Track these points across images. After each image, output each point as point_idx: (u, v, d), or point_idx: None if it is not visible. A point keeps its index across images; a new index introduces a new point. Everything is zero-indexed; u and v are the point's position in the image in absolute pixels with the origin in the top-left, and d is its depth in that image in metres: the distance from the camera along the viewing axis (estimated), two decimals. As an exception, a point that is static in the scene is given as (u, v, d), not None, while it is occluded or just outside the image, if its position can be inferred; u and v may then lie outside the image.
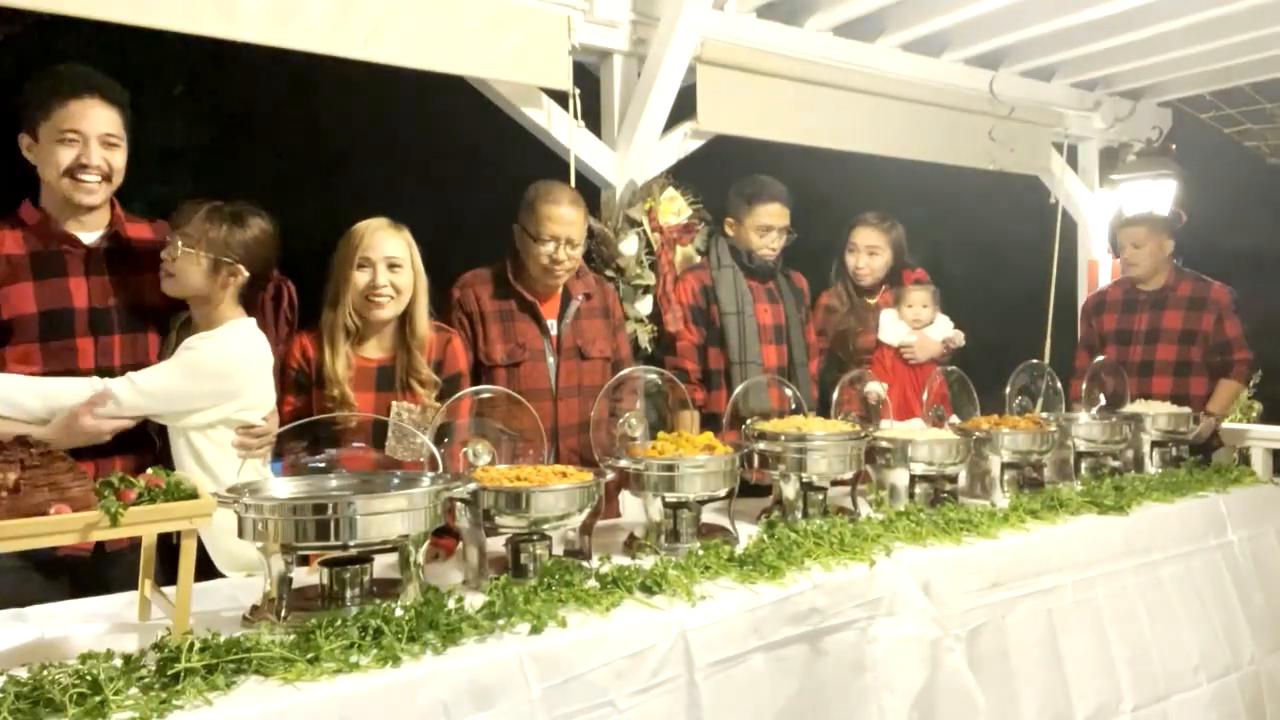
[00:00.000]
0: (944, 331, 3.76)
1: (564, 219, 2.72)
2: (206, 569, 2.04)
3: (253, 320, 2.28)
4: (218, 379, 2.15)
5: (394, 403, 2.33)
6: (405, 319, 2.42)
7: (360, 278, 2.37)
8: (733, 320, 3.30)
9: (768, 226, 3.35)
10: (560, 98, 3.37)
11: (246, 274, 2.24)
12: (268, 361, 2.27)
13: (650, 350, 3.34)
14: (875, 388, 3.12)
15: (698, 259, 3.48)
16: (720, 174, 3.75)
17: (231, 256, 2.20)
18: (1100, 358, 3.76)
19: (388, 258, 2.38)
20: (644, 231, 3.36)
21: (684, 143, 3.66)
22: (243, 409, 2.18)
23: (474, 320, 2.76)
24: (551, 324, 2.81)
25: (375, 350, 2.43)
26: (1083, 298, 5.18)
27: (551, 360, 2.79)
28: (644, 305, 3.35)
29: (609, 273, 3.31)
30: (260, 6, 2.70)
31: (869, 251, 3.70)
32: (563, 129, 3.35)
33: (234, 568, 2.09)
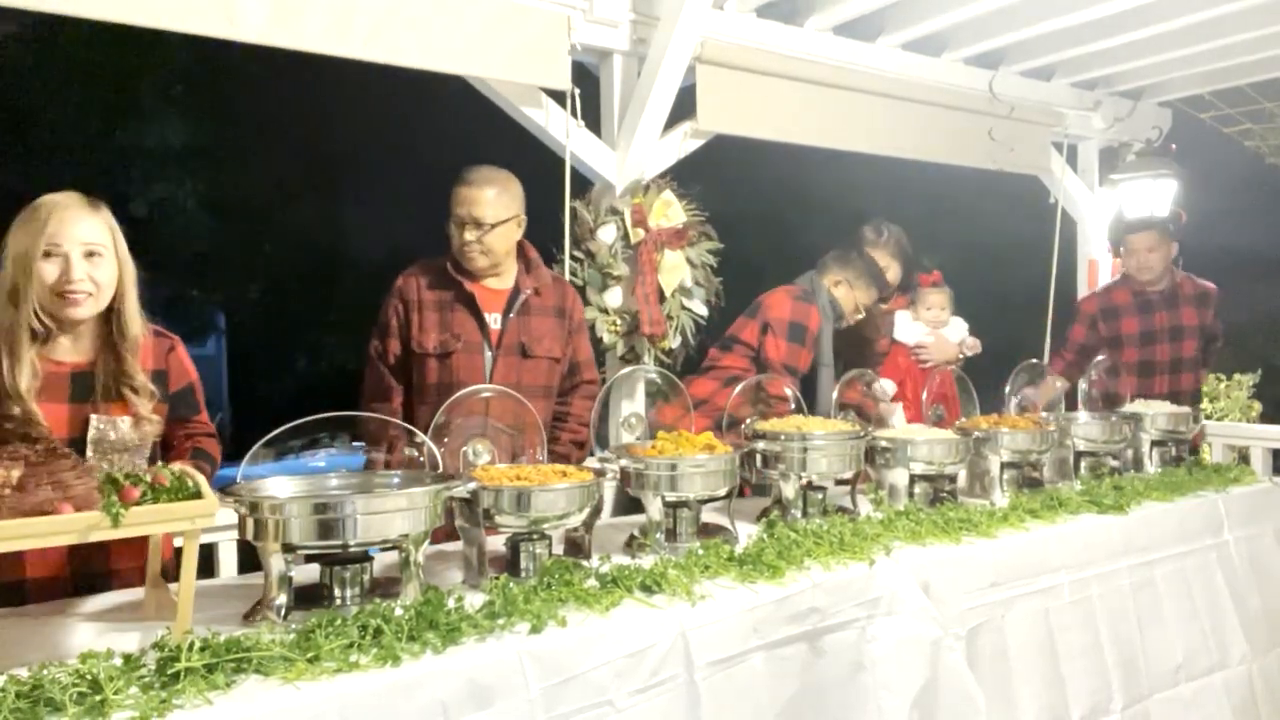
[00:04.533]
0: (960, 334, 3.78)
1: (468, 198, 2.67)
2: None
3: None
4: None
5: (93, 415, 1.92)
6: (110, 316, 1.98)
7: (48, 270, 1.90)
8: (826, 371, 3.45)
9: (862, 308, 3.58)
10: (560, 97, 3.37)
11: None
12: None
13: (615, 345, 3.31)
14: (884, 385, 3.13)
15: (687, 270, 3.47)
16: (721, 175, 3.75)
17: None
18: (1100, 358, 3.77)
19: (84, 244, 1.92)
20: (622, 222, 3.33)
21: (684, 142, 3.66)
22: None
23: (410, 308, 2.71)
24: (493, 318, 2.74)
25: (69, 353, 1.97)
26: (1083, 297, 5.18)
27: (488, 355, 2.71)
28: (612, 296, 3.32)
29: (577, 254, 3.29)
30: (262, 7, 2.70)
31: None
32: (562, 129, 3.35)
33: None
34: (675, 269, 3.46)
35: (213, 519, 1.53)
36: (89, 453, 1.89)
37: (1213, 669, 2.82)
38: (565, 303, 2.87)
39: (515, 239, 2.78)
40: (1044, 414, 3.19)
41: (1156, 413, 3.38)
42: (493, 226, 2.68)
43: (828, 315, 3.45)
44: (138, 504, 1.46)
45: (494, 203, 2.69)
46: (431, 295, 2.72)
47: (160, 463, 1.85)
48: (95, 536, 1.43)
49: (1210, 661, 2.81)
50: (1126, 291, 4.16)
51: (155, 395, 2.01)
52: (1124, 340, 4.09)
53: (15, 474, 1.39)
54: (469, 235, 2.67)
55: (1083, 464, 3.17)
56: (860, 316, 3.54)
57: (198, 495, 1.54)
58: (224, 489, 1.72)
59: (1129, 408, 3.48)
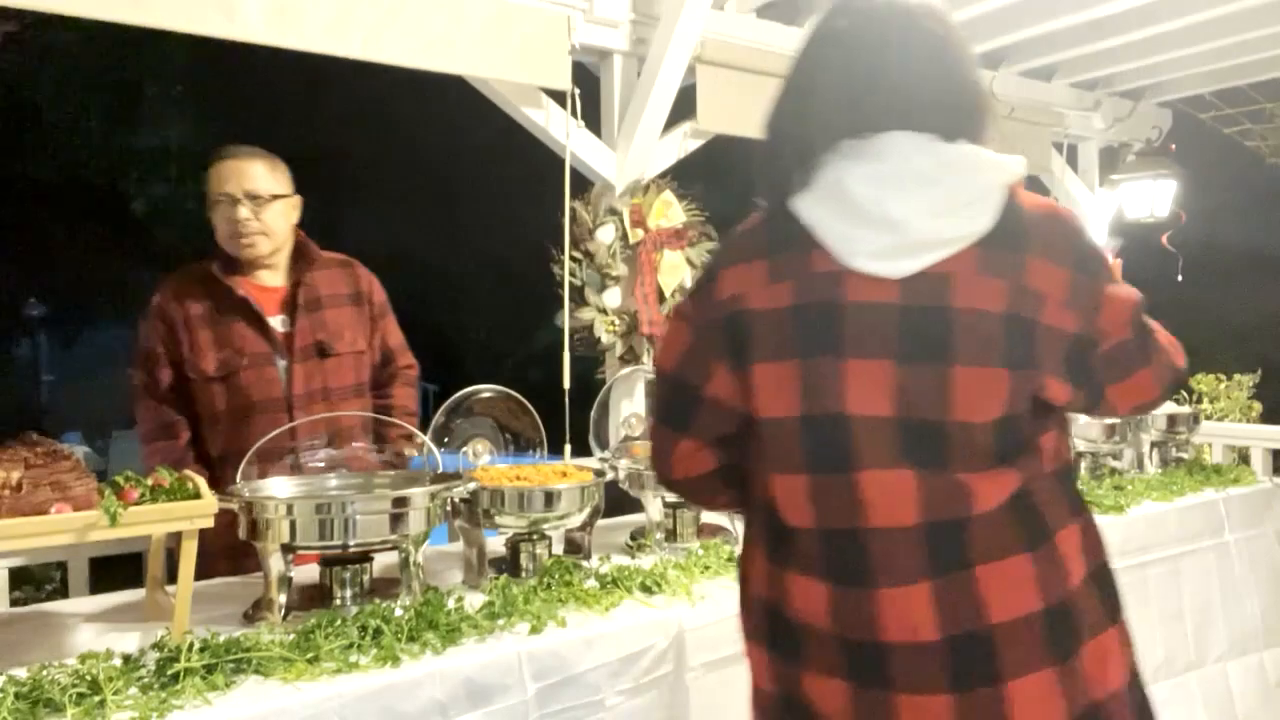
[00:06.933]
0: None
1: (236, 170, 2.29)
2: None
3: None
4: None
5: None
6: None
7: None
8: None
9: None
10: (560, 98, 3.37)
11: None
12: None
13: (614, 345, 3.31)
14: None
15: (687, 270, 3.47)
16: (721, 175, 3.74)
17: None
18: None
19: None
20: (621, 222, 3.33)
21: (684, 142, 3.66)
22: None
23: (178, 328, 2.27)
24: (278, 321, 2.34)
25: None
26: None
27: (281, 364, 2.31)
28: (611, 297, 3.31)
29: (576, 254, 3.29)
30: (261, 7, 2.70)
31: None
32: (562, 129, 3.35)
33: None
34: (675, 269, 3.46)
35: (210, 520, 1.54)
36: None
37: (1189, 668, 2.82)
38: (360, 286, 2.49)
39: (294, 222, 2.42)
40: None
41: (1157, 413, 3.38)
42: (272, 199, 2.31)
43: None
44: (136, 504, 1.46)
45: (268, 176, 2.34)
46: (199, 308, 2.29)
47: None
48: (94, 536, 1.43)
49: (1188, 660, 2.82)
50: None
51: None
52: None
53: (15, 475, 1.39)
54: (243, 212, 2.26)
55: (1083, 464, 3.17)
56: None
57: (197, 495, 1.54)
58: (228, 489, 1.72)
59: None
